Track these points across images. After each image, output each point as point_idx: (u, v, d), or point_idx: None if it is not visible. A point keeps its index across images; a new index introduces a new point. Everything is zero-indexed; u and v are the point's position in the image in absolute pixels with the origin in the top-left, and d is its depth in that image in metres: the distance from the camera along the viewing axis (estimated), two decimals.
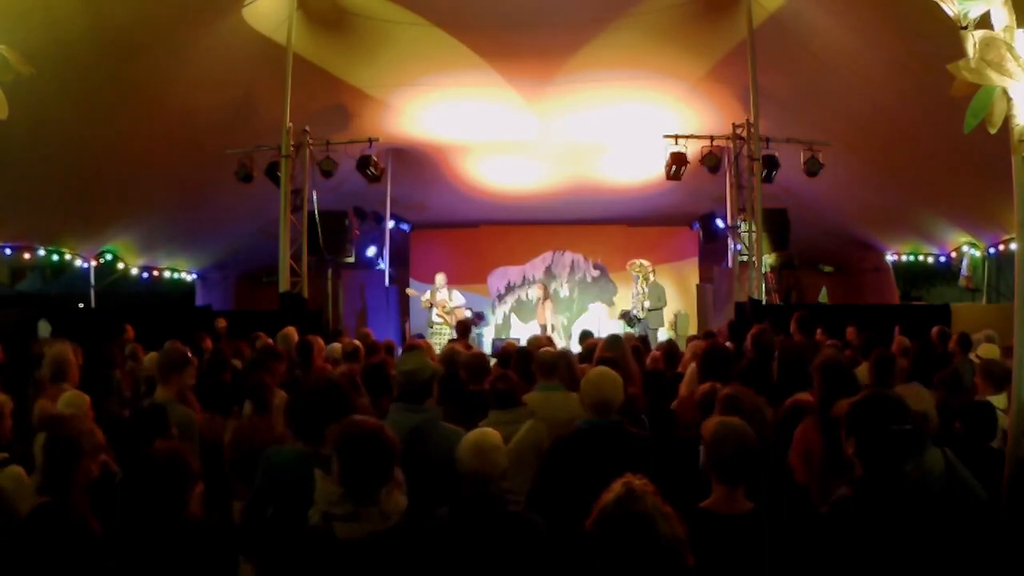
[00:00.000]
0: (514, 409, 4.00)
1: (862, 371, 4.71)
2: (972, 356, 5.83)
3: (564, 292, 16.05)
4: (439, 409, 3.67)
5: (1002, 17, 3.43)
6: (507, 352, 6.09)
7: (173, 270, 15.04)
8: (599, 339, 6.80)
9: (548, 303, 14.24)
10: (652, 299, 12.89)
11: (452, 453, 3.28)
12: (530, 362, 5.32)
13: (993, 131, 3.46)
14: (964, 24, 3.45)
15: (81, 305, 13.02)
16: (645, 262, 13.24)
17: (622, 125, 12.08)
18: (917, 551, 2.49)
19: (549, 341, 7.42)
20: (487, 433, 2.99)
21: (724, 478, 2.63)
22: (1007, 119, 3.43)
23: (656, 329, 12.60)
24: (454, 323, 12.62)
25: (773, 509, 2.65)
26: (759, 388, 4.25)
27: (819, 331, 7.34)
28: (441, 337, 12.30)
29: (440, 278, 13.30)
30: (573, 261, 16.28)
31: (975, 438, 3.67)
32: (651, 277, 13.13)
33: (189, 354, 4.50)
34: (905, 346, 6.34)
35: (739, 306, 9.66)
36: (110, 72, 8.16)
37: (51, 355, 4.64)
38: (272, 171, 10.29)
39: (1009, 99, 3.41)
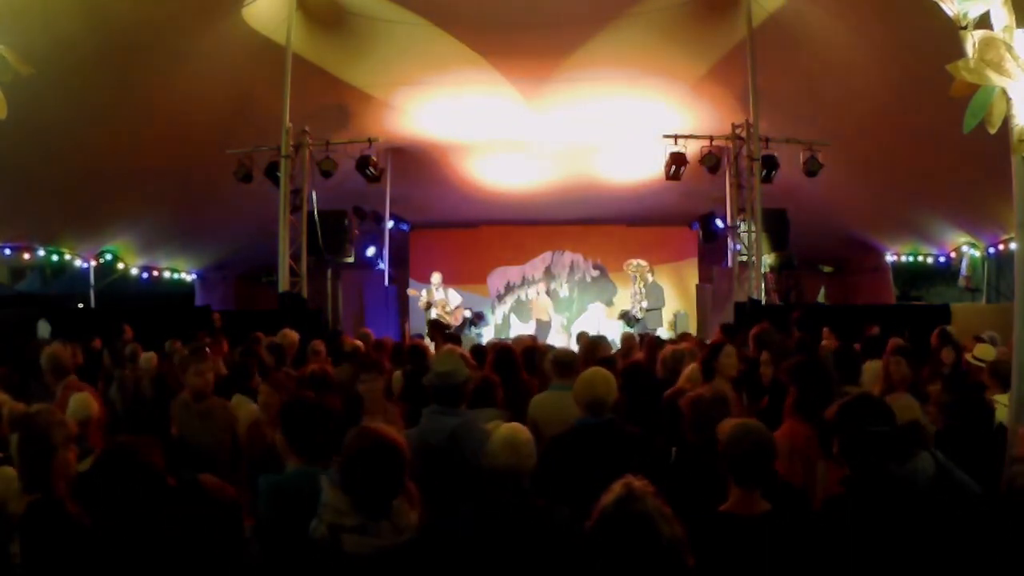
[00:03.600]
0: (485, 409, 3.97)
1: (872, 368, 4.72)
2: (968, 357, 5.84)
3: (564, 292, 16.07)
4: (472, 412, 3.58)
5: (1001, 17, 3.43)
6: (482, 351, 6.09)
7: (173, 270, 15.05)
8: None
9: (544, 299, 14.38)
10: (651, 299, 12.95)
11: None
12: (513, 361, 5.32)
13: (992, 131, 3.45)
14: (963, 24, 3.45)
15: (81, 305, 13.02)
16: (643, 262, 13.31)
17: (622, 125, 12.08)
18: (907, 547, 2.50)
19: (533, 340, 7.41)
20: (518, 429, 2.95)
21: (741, 480, 2.63)
22: (1006, 119, 3.43)
23: (654, 329, 12.61)
24: (453, 322, 12.66)
25: (785, 509, 2.66)
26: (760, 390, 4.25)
27: (826, 330, 7.35)
28: None
29: (436, 277, 13.32)
30: (572, 261, 16.29)
31: (970, 430, 3.67)
32: (649, 277, 13.19)
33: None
34: (899, 346, 6.32)
35: (739, 306, 9.66)
36: (110, 72, 8.16)
37: (45, 355, 4.69)
38: (272, 171, 10.30)
39: (1008, 99, 3.41)
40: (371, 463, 2.45)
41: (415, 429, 3.47)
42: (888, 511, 2.56)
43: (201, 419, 4.26)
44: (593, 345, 5.63)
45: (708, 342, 6.60)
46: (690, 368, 4.83)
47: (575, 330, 13.68)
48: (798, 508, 2.82)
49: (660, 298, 13.15)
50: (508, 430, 2.91)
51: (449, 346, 4.47)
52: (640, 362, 5.93)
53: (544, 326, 14.08)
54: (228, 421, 4.34)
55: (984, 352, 5.54)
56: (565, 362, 4.48)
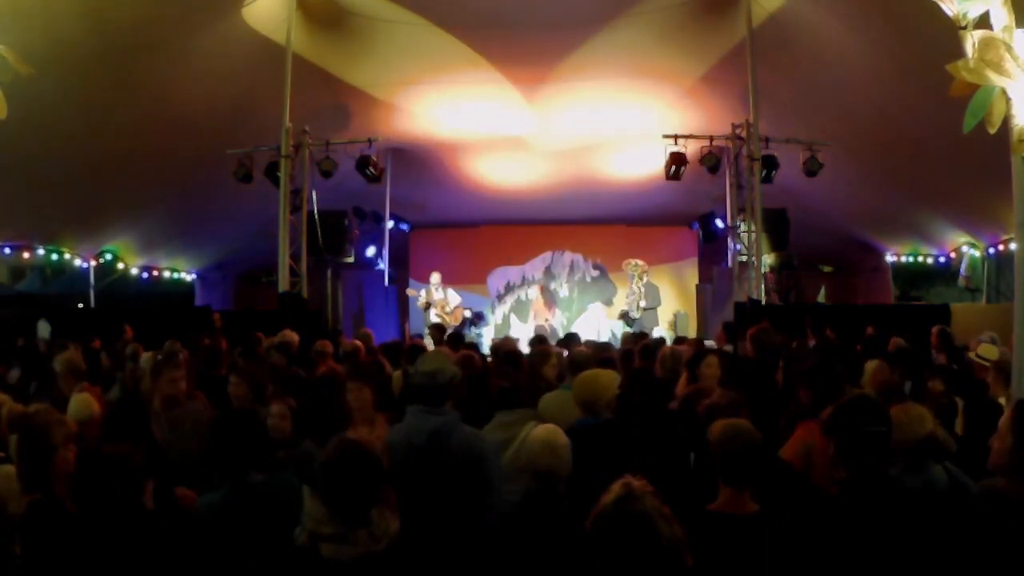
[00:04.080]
0: (518, 410, 3.96)
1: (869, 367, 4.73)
2: (972, 355, 5.85)
3: (564, 292, 16.07)
4: (458, 413, 3.55)
5: (1001, 17, 3.43)
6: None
7: (173, 270, 15.04)
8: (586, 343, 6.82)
9: (543, 301, 14.46)
10: (648, 299, 13.01)
11: (474, 457, 3.25)
12: (518, 361, 5.33)
13: (992, 131, 3.46)
14: (963, 24, 3.45)
15: (81, 305, 13.01)
16: (640, 261, 13.36)
17: (622, 125, 12.08)
18: (903, 550, 2.50)
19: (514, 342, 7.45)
20: (556, 431, 2.94)
21: (731, 480, 2.63)
22: (1006, 119, 3.43)
23: (651, 329, 12.63)
24: (453, 322, 12.66)
25: (779, 510, 2.66)
26: (762, 391, 4.25)
27: (826, 331, 7.37)
28: None
29: (435, 277, 13.33)
30: (572, 261, 16.29)
31: (982, 436, 3.66)
32: (645, 277, 13.25)
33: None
34: (900, 346, 6.33)
35: (738, 306, 9.66)
36: (110, 72, 8.16)
37: (63, 360, 4.69)
38: (272, 171, 10.29)
39: (1008, 99, 3.41)
40: (346, 473, 2.47)
41: (399, 426, 3.46)
42: (883, 515, 2.56)
43: (171, 427, 4.15)
44: (602, 347, 5.68)
45: (705, 343, 6.63)
46: None
47: (573, 330, 13.70)
48: (800, 505, 2.81)
49: (656, 298, 13.25)
50: (546, 432, 2.91)
51: (437, 348, 4.46)
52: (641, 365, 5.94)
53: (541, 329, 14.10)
54: (200, 429, 4.16)
55: (988, 351, 5.55)
56: (578, 362, 4.51)
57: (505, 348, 6.47)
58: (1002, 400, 4.35)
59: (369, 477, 2.49)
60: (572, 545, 2.58)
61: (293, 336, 7.09)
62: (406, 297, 14.30)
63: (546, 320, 15.00)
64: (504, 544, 2.72)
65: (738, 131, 10.60)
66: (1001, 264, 12.24)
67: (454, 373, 3.48)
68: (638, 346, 6.90)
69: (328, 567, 2.39)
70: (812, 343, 6.92)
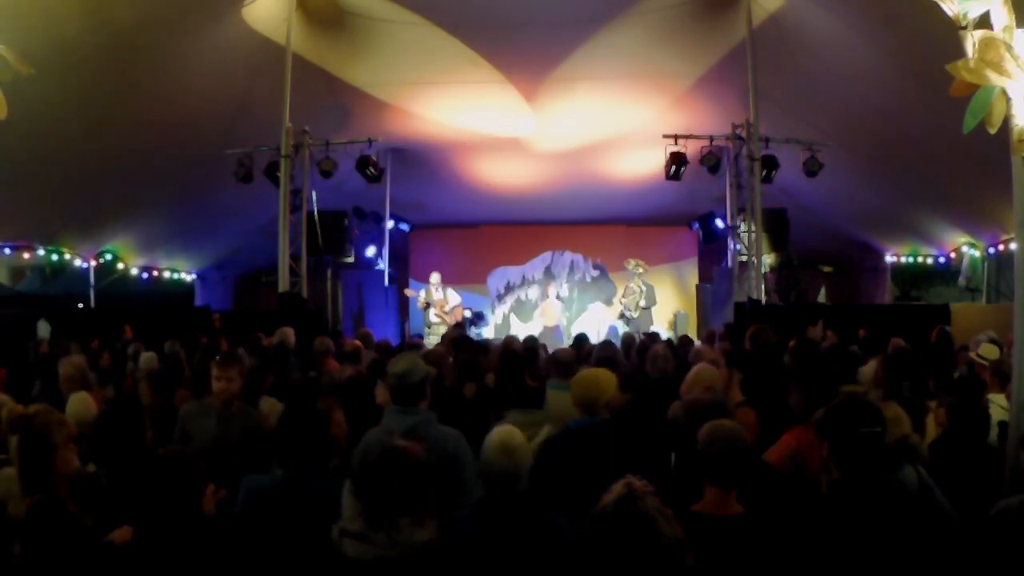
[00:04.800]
0: (535, 411, 3.97)
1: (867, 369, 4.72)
2: (972, 355, 5.87)
3: (564, 292, 16.07)
4: (433, 412, 3.56)
5: (1001, 17, 3.43)
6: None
7: (173, 270, 15.04)
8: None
9: (550, 303, 14.46)
10: (648, 299, 13.06)
11: (448, 456, 3.25)
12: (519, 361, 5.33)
13: (992, 131, 3.45)
14: (963, 24, 3.45)
15: (81, 305, 13.01)
16: (641, 261, 13.44)
17: (621, 125, 12.08)
18: (892, 552, 2.50)
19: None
20: (512, 432, 2.93)
21: (717, 481, 2.62)
22: (1006, 119, 3.43)
23: (647, 328, 12.64)
24: (452, 322, 12.65)
25: (765, 512, 2.65)
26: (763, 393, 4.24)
27: (829, 332, 7.37)
28: (439, 337, 12.31)
29: (435, 277, 13.34)
30: (572, 261, 16.30)
31: (966, 437, 3.66)
32: (643, 277, 13.34)
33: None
34: (897, 346, 6.33)
35: (738, 306, 9.66)
36: (110, 72, 8.16)
37: (73, 364, 4.69)
38: (272, 171, 10.30)
39: (1008, 99, 3.41)
40: (378, 474, 2.45)
41: (375, 429, 3.44)
42: (876, 518, 2.55)
43: (220, 424, 4.07)
44: (605, 346, 5.70)
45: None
46: (697, 368, 4.81)
47: (575, 330, 13.69)
48: (787, 507, 2.79)
49: (653, 298, 13.33)
50: (502, 434, 2.89)
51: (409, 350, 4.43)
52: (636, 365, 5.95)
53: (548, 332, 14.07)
54: (248, 427, 4.10)
55: (988, 351, 5.57)
56: (563, 361, 4.51)
57: (525, 345, 6.50)
58: (994, 398, 4.35)
59: (401, 479, 2.45)
60: (541, 548, 2.57)
61: (289, 333, 7.08)
62: (406, 297, 14.30)
63: (552, 324, 14.83)
64: (470, 555, 2.68)
65: (738, 131, 10.60)
66: (1001, 264, 12.23)
67: (427, 372, 3.50)
68: (635, 345, 6.92)
69: (350, 564, 2.38)
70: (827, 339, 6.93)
